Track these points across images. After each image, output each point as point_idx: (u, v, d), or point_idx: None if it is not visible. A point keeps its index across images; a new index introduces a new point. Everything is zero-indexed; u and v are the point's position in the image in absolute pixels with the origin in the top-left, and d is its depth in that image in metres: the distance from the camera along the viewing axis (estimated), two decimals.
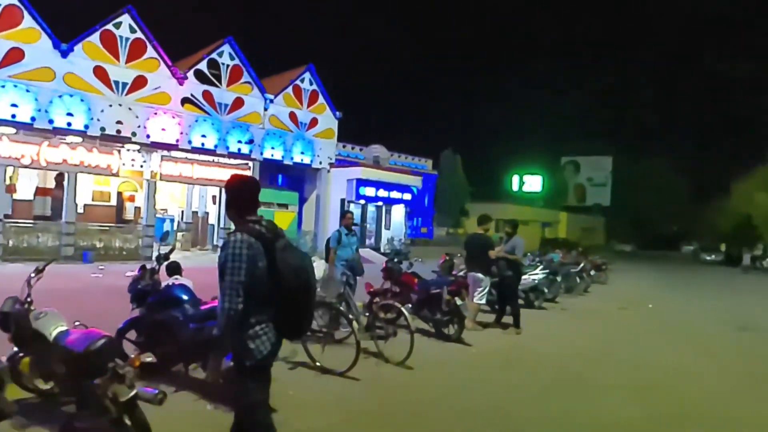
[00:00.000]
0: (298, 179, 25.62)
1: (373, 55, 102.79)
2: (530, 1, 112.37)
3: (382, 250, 24.95)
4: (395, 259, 9.14)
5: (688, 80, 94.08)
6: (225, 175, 21.65)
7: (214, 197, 23.02)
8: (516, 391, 6.07)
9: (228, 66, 21.13)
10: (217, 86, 20.80)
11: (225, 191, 3.23)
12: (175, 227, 21.87)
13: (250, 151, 21.77)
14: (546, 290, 12.67)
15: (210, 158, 20.99)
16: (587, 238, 50.02)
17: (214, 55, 20.82)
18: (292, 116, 23.52)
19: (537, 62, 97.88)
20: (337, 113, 25.18)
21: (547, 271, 13.13)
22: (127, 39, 18.23)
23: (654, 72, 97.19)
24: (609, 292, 16.96)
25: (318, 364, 6.09)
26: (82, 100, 17.31)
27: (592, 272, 17.84)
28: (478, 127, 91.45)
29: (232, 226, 3.14)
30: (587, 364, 7.52)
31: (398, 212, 28.31)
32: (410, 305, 8.12)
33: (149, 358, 3.61)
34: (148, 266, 5.59)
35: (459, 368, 6.88)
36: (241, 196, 3.13)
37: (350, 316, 6.04)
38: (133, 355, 3.59)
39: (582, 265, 16.73)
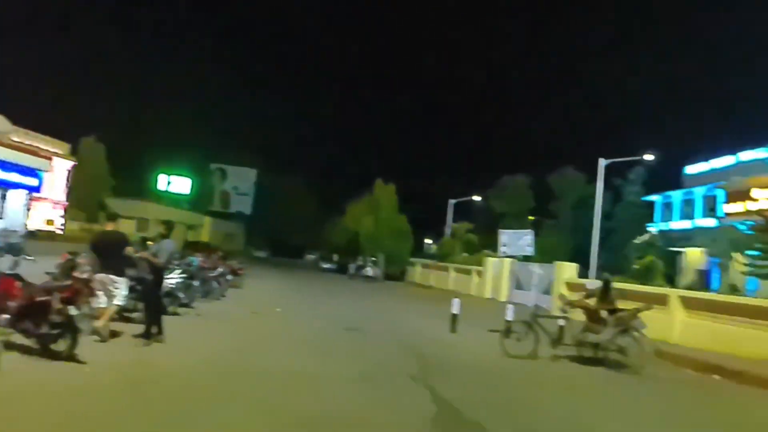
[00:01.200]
0: None
1: None
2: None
3: None
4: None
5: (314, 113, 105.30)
6: None
7: None
8: (133, 416, 5.07)
9: None
10: None
11: None
12: None
13: None
14: (182, 295, 11.77)
15: None
16: (228, 244, 50.42)
17: None
18: None
19: (193, 65, 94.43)
20: None
21: (185, 275, 12.21)
22: None
23: (293, 97, 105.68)
24: (244, 296, 16.99)
25: None
26: None
27: (230, 277, 17.60)
28: (126, 116, 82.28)
29: None
30: (217, 375, 6.99)
31: (18, 199, 22.81)
32: (7, 316, 6.19)
33: None
34: None
35: (65, 395, 5.44)
36: None
37: None
38: None
39: (221, 269, 16.34)
